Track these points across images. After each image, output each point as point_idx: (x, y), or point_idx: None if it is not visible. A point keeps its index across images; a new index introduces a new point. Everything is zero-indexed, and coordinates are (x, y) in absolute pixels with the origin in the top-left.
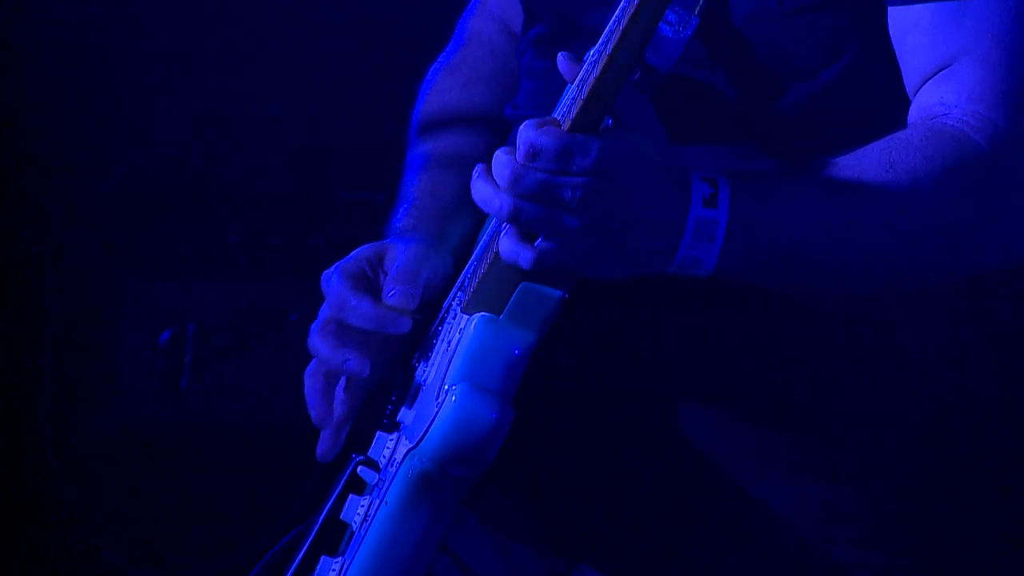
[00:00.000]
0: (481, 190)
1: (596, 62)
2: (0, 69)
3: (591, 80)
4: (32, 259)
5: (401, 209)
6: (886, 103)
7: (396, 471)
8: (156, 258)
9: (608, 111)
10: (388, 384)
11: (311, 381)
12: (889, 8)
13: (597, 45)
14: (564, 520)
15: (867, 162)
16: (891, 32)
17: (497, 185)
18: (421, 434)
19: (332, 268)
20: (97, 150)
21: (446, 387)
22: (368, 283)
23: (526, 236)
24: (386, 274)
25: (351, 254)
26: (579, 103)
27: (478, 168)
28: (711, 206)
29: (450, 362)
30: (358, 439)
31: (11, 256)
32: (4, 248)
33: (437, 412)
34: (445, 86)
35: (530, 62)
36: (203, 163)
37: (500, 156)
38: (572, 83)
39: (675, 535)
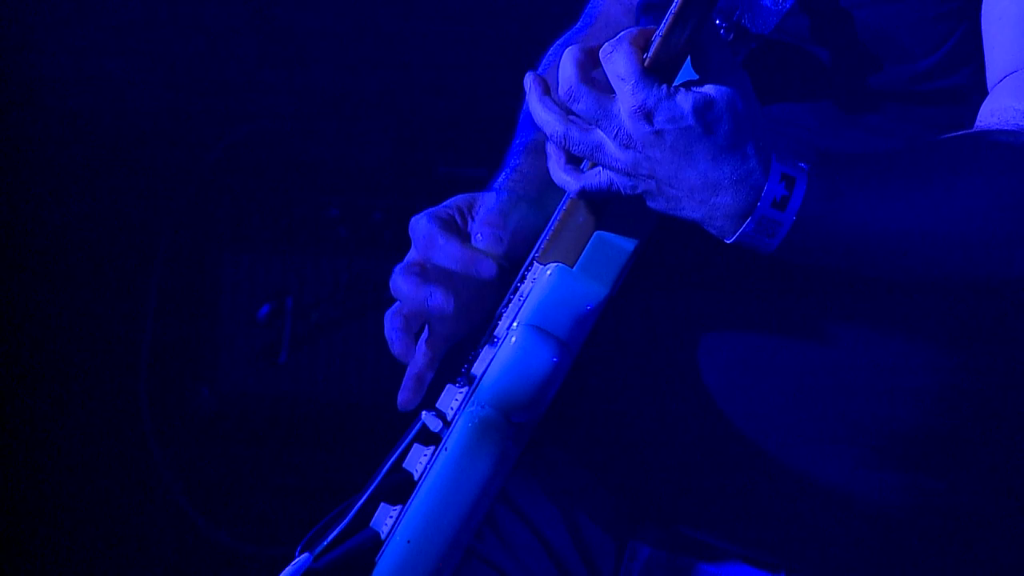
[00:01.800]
0: (535, 101)
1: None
2: (101, 42)
3: (673, 11)
4: (134, 233)
5: (504, 172)
6: (982, 87)
7: (456, 417)
8: (256, 232)
9: (690, 52)
10: (470, 340)
11: (391, 320)
12: None
13: None
14: (627, 490)
15: (945, 164)
16: (982, 19)
17: (555, 102)
18: (480, 375)
19: (421, 213)
20: (199, 123)
21: (512, 326)
22: (457, 229)
23: (572, 159)
24: (475, 221)
25: (442, 203)
26: (661, 35)
27: (531, 77)
28: (779, 208)
29: (519, 310)
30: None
31: (114, 230)
32: (108, 222)
33: (496, 352)
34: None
35: None
36: (304, 137)
37: (568, 58)
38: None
39: (736, 508)
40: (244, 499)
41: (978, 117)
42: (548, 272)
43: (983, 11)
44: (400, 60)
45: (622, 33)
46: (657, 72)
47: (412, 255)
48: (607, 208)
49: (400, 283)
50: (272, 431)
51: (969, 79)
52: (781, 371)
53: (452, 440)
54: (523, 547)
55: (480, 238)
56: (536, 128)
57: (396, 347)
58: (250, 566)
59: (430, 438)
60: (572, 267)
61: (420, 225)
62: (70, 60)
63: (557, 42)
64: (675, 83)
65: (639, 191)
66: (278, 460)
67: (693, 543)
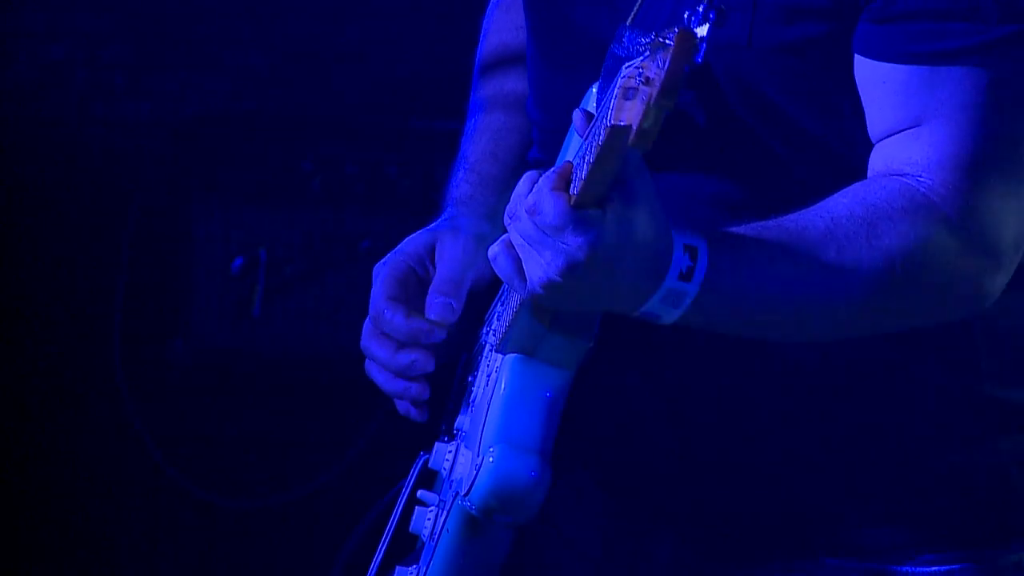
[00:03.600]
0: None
1: (599, 132)
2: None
3: (593, 155)
4: (106, 188)
5: (459, 172)
6: (856, 134)
7: (452, 504)
8: (229, 185)
9: (612, 185)
10: (449, 365)
11: (378, 377)
12: (856, 56)
13: (599, 113)
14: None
15: (846, 232)
16: (857, 78)
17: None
18: (468, 487)
19: (382, 262)
20: (170, 77)
21: (486, 444)
22: (417, 281)
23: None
24: (435, 270)
25: (401, 246)
26: (583, 177)
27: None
28: (685, 279)
29: (489, 405)
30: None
31: (87, 182)
32: (80, 177)
33: (478, 472)
34: (501, 24)
35: (531, 52)
36: (276, 90)
37: (520, 184)
38: (583, 138)
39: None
40: (217, 452)
41: (870, 166)
42: (510, 364)
43: (859, 72)
44: (370, 14)
45: (541, 182)
46: (586, 203)
47: (373, 307)
48: None
49: (374, 350)
50: (245, 385)
51: (835, 138)
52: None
53: (451, 524)
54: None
55: (432, 309)
56: (481, 88)
57: (392, 390)
58: (224, 519)
59: (430, 497)
60: (532, 356)
61: (375, 284)
62: (44, 17)
63: (491, 1)
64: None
65: (555, 298)
66: (251, 413)
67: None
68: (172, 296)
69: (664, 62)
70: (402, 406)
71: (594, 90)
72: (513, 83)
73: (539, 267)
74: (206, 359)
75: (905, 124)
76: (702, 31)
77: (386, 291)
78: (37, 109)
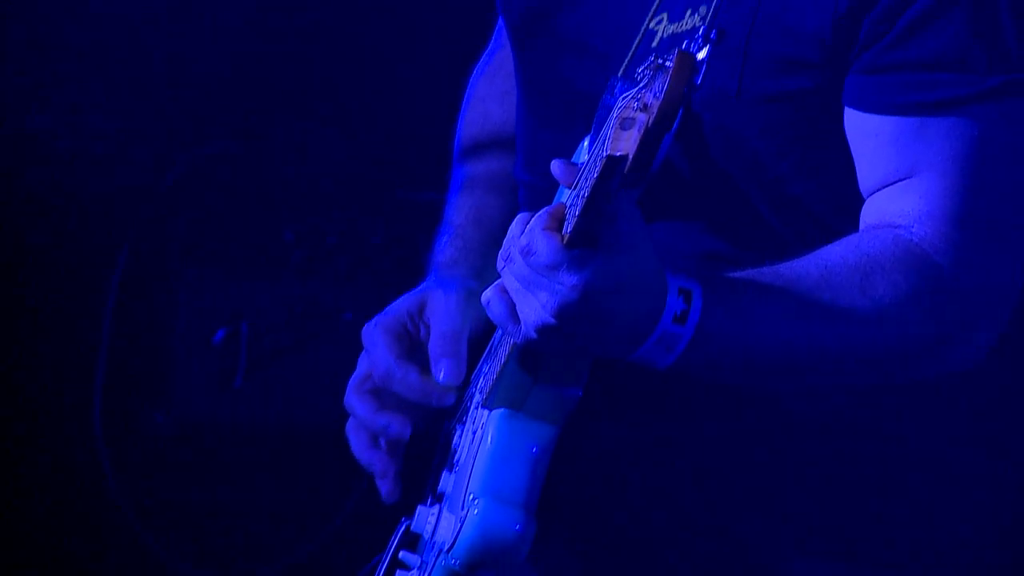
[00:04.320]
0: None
1: (593, 167)
2: (58, 66)
3: (588, 189)
4: (89, 255)
5: (444, 237)
6: (841, 189)
7: (434, 563)
8: (212, 256)
9: (607, 219)
10: (429, 430)
11: (355, 438)
12: (846, 108)
13: (593, 151)
14: None
15: (840, 280)
16: (848, 130)
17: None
18: (451, 541)
19: (372, 322)
20: (156, 146)
21: (471, 497)
22: (410, 340)
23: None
24: (427, 326)
25: (390, 307)
26: (578, 212)
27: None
28: (680, 323)
29: (475, 460)
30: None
31: (69, 252)
32: (63, 244)
33: (462, 525)
34: (485, 93)
35: (521, 109)
36: (260, 160)
37: (513, 226)
38: (569, 188)
39: None
40: (199, 524)
41: (862, 217)
42: (496, 419)
43: (849, 124)
44: (355, 84)
45: (533, 221)
46: (578, 245)
47: (363, 367)
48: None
49: (356, 405)
50: (227, 456)
51: (826, 188)
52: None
53: None
54: None
55: (441, 373)
56: (463, 157)
57: (363, 459)
58: None
59: (412, 559)
60: (519, 410)
61: (374, 342)
62: (28, 82)
63: (475, 68)
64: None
65: (551, 341)
66: (233, 485)
67: None
68: (154, 367)
69: (663, 85)
70: (381, 484)
71: (585, 143)
72: (496, 160)
73: (533, 310)
74: (188, 430)
75: (897, 176)
76: (702, 54)
77: (391, 350)
78: (19, 178)
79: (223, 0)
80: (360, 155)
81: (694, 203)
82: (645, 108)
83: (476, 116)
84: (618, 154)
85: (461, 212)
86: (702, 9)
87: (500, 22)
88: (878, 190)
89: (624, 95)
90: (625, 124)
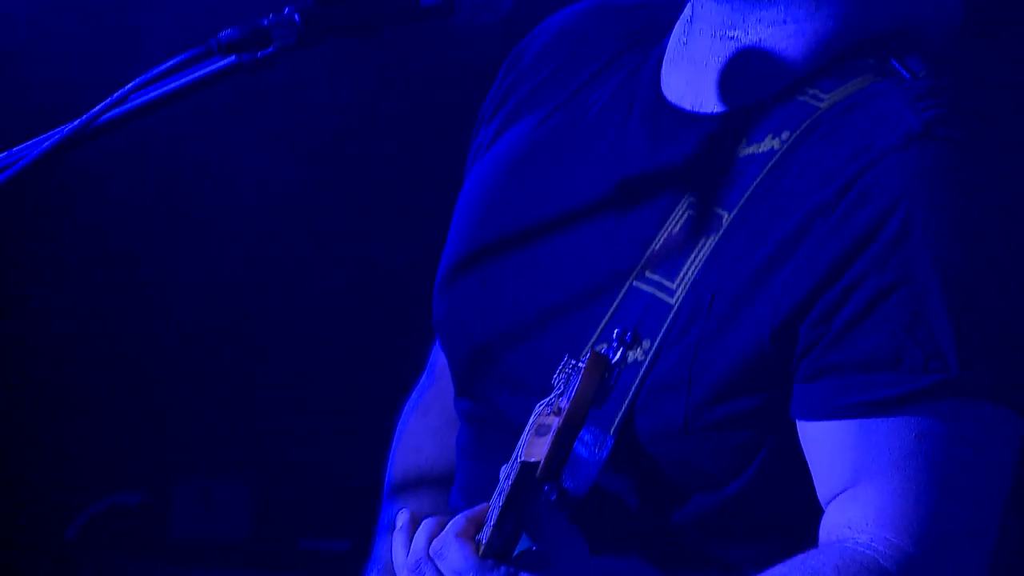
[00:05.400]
0: (395, 547)
1: (508, 476)
2: None
3: (503, 497)
4: None
5: (373, 574)
6: (795, 504)
7: None
8: None
9: (524, 527)
10: None
11: None
12: (796, 421)
13: (509, 462)
14: None
15: None
16: (802, 441)
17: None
18: None
19: None
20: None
21: None
22: None
23: None
24: None
25: None
26: (493, 522)
27: (404, 516)
28: None
29: None
30: None
31: None
32: None
33: None
34: (417, 428)
35: (463, 438)
36: (159, 511)
37: (419, 532)
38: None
39: None
40: None
41: (819, 534)
42: None
43: (802, 435)
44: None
45: (448, 527)
46: (494, 554)
47: None
48: None
49: None
50: None
51: (778, 505)
52: None
53: None
54: None
55: None
56: (393, 497)
57: None
58: None
59: None
60: None
61: None
62: None
63: (408, 402)
64: (516, 551)
65: None
66: None
67: None
68: None
69: (573, 388)
70: None
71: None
72: (427, 497)
73: None
74: None
75: (844, 484)
76: (616, 356)
77: None
78: None
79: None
80: (263, 502)
81: (645, 535)
82: (559, 412)
83: (407, 452)
84: (532, 460)
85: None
86: (645, 343)
87: (433, 357)
88: (831, 501)
89: (541, 403)
90: (540, 431)
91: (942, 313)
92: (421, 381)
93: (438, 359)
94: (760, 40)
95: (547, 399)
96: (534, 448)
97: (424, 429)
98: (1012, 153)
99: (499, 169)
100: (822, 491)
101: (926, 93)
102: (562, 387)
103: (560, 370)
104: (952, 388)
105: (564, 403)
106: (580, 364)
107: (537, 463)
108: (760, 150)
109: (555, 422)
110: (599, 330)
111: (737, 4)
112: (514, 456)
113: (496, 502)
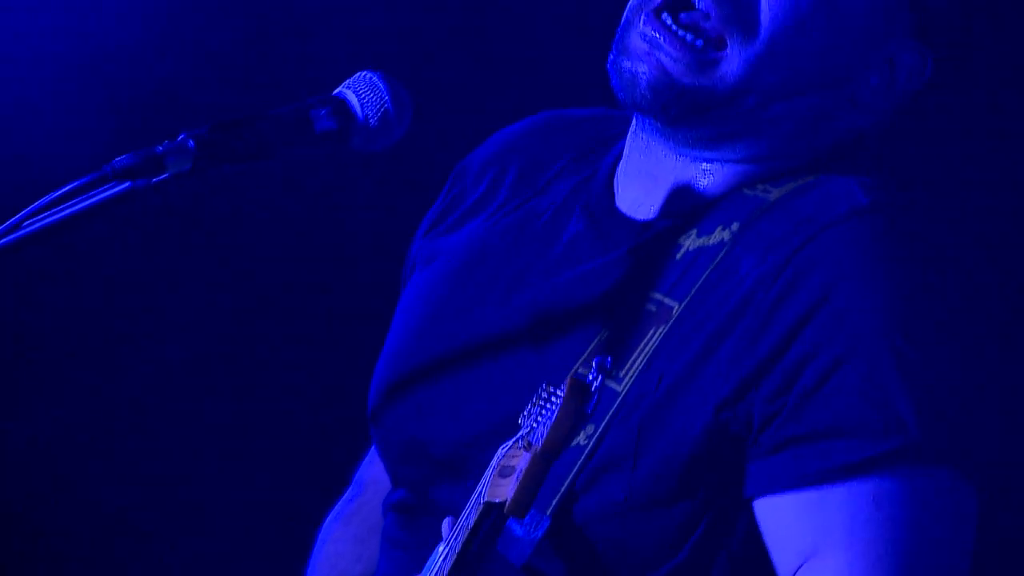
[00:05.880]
0: None
1: (468, 518)
2: None
3: (458, 547)
4: None
5: None
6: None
7: None
8: None
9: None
10: None
11: None
12: (753, 503)
13: (463, 513)
14: None
15: None
16: (760, 522)
17: None
18: None
19: None
20: None
21: None
22: None
23: None
24: None
25: None
26: (446, 573)
27: None
28: None
29: None
30: None
31: None
32: None
33: None
34: (338, 534)
35: (391, 529)
36: None
37: None
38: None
39: None
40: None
41: None
42: None
43: (761, 520)
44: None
45: None
46: None
47: None
48: None
49: None
50: None
51: (720, 566)
52: None
53: None
54: None
55: None
56: None
57: None
58: None
59: None
60: None
61: None
62: None
63: (331, 513)
64: None
65: None
66: None
67: None
68: None
69: (551, 415)
70: None
71: (440, 548)
72: None
73: None
74: None
75: (803, 556)
76: (596, 383)
77: None
78: None
79: None
80: None
81: None
82: (529, 446)
83: (327, 558)
84: (497, 500)
85: None
86: (589, 428)
87: (360, 472)
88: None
89: (504, 446)
90: (504, 472)
91: (896, 379)
92: (347, 494)
93: (365, 473)
94: (710, 157)
95: (512, 439)
96: (498, 489)
97: (344, 536)
98: (947, 222)
99: (445, 275)
100: (781, 568)
101: (878, 182)
102: (533, 423)
103: (532, 404)
104: (912, 453)
105: (537, 436)
106: (559, 392)
107: (503, 503)
108: (710, 242)
109: (523, 460)
110: None
111: (680, 137)
112: (471, 503)
113: (452, 548)
